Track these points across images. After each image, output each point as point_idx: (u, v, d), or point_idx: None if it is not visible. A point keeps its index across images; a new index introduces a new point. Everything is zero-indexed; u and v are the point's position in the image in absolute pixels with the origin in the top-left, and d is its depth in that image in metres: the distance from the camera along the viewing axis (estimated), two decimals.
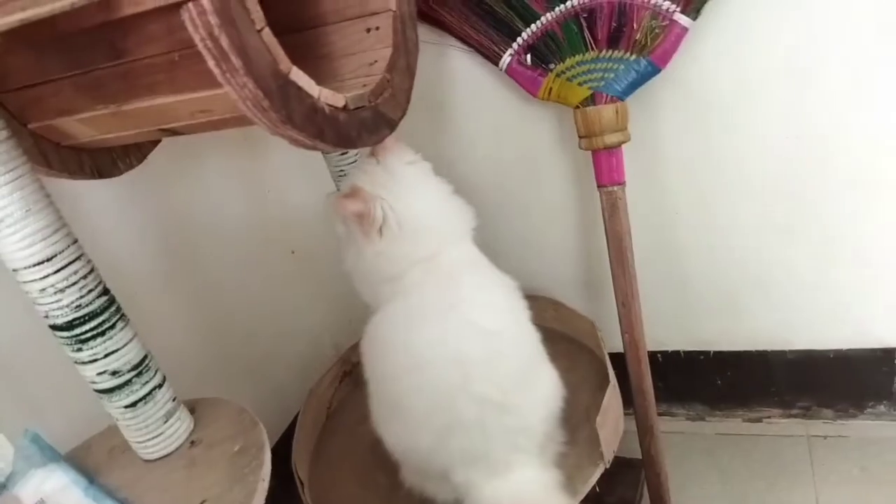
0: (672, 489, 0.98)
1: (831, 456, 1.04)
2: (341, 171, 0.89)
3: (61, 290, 0.52)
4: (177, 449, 0.60)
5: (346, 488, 0.86)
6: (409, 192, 0.72)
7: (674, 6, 0.77)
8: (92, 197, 0.79)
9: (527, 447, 0.71)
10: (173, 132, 0.61)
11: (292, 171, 1.11)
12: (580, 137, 0.83)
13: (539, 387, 0.74)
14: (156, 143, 0.73)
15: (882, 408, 1.04)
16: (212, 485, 0.55)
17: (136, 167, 0.72)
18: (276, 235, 1.10)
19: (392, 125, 0.60)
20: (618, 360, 0.91)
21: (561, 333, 1.02)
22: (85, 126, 0.59)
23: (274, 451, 1.01)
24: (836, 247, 0.93)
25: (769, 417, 1.12)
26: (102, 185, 0.77)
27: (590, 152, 0.84)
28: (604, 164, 0.83)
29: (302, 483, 0.83)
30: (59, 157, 0.64)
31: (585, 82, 0.81)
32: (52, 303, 0.52)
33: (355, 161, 0.89)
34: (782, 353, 1.05)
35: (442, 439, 0.69)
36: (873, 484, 0.98)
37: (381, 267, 0.73)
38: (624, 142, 0.82)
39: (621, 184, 0.83)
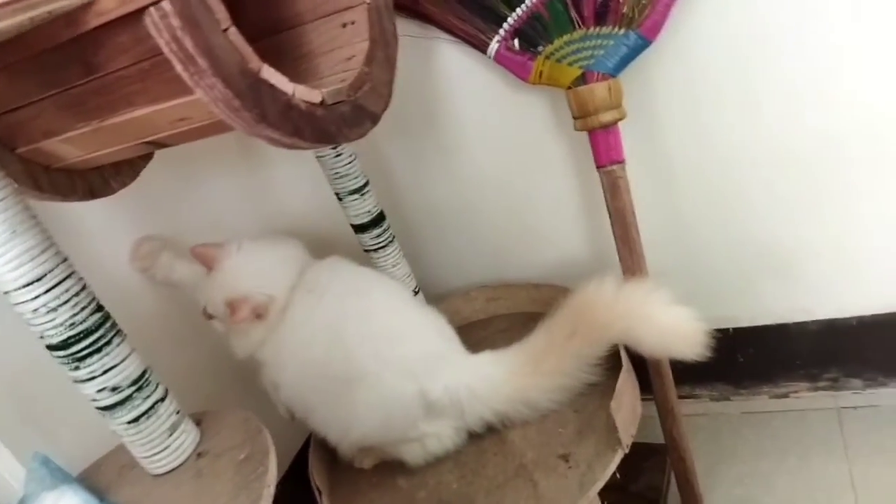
0: (700, 472, 0.96)
1: (863, 427, 1.01)
2: (336, 172, 0.88)
3: (53, 310, 0.52)
4: (184, 462, 0.60)
5: (365, 494, 0.85)
6: (256, 268, 0.80)
7: None
8: (94, 217, 0.79)
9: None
10: (159, 144, 0.61)
11: (295, 183, 1.10)
12: (574, 119, 0.82)
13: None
14: (147, 158, 0.73)
15: None
16: (219, 495, 0.55)
17: (129, 184, 0.72)
18: None
19: (374, 118, 0.59)
20: None
21: None
22: (70, 146, 0.59)
23: (295, 462, 1.02)
24: (849, 211, 0.90)
25: (796, 392, 1.09)
26: (103, 205, 0.76)
27: (586, 133, 0.82)
28: (601, 144, 0.81)
29: (320, 491, 0.82)
30: (49, 181, 0.64)
31: (575, 62, 0.79)
32: (45, 322, 0.52)
33: (350, 162, 0.89)
34: (804, 324, 1.02)
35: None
36: None
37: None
38: (619, 119, 0.80)
39: (621, 162, 0.82)
